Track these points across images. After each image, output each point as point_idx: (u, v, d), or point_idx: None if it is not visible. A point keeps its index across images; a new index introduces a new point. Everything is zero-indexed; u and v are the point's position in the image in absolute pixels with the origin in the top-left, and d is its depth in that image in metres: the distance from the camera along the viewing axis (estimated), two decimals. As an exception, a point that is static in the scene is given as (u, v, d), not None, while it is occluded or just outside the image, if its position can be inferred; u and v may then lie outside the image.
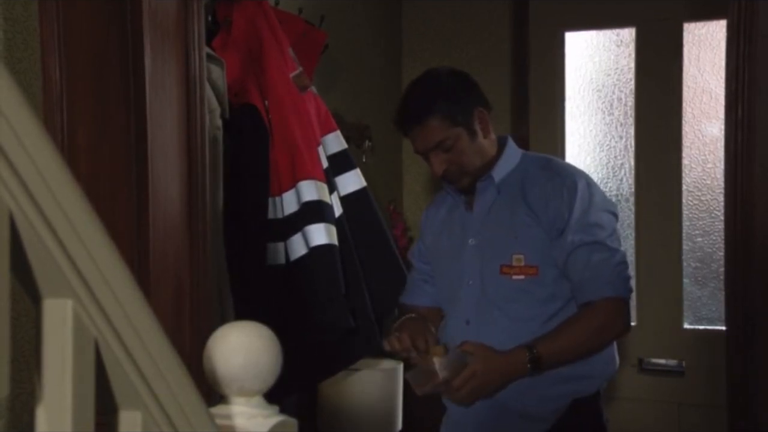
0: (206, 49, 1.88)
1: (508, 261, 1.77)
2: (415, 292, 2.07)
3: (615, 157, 3.29)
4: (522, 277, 1.76)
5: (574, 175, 1.82)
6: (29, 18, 1.67)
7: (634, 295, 3.22)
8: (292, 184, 2.17)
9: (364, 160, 2.91)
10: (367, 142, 2.97)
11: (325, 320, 2.15)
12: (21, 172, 0.59)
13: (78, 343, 0.65)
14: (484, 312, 1.81)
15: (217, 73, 2.02)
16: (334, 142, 2.38)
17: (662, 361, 3.25)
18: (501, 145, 1.89)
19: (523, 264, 1.76)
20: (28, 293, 0.65)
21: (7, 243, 0.59)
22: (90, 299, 0.66)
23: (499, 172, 1.85)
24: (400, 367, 2.59)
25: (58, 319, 0.64)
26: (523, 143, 3.29)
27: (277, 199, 2.18)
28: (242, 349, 0.96)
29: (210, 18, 2.17)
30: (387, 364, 2.59)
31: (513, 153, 1.88)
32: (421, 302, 2.03)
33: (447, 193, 1.99)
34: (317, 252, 2.13)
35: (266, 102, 2.18)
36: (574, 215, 1.75)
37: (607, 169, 3.30)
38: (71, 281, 0.64)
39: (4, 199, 0.59)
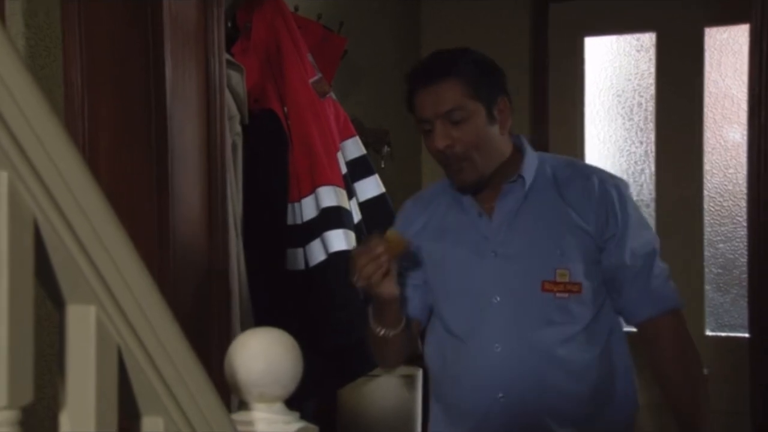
0: (226, 56, 1.89)
1: (551, 276, 1.54)
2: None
3: (635, 162, 3.26)
4: (566, 295, 1.54)
5: (612, 177, 1.64)
6: (52, 26, 1.69)
7: (654, 302, 3.24)
8: (311, 189, 2.17)
9: (382, 165, 2.91)
10: (386, 147, 2.96)
11: (343, 326, 2.14)
12: (46, 180, 0.59)
13: (101, 350, 0.65)
14: (518, 335, 1.55)
15: (237, 80, 2.03)
16: (353, 148, 2.39)
17: (683, 367, 3.21)
18: (516, 145, 1.64)
19: (567, 280, 1.54)
20: (51, 299, 0.66)
21: (32, 249, 0.59)
22: (113, 306, 0.66)
23: (529, 172, 1.59)
24: (420, 373, 2.58)
25: (82, 325, 0.64)
26: (542, 149, 3.27)
27: (296, 204, 2.18)
28: (263, 355, 0.96)
29: (229, 24, 2.18)
30: (406, 370, 2.58)
31: (532, 154, 1.64)
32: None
33: (442, 191, 1.69)
34: (336, 258, 2.13)
35: (285, 108, 2.19)
36: (631, 220, 1.58)
37: (627, 174, 3.27)
38: (95, 288, 0.64)
39: (29, 206, 0.60)
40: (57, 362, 0.66)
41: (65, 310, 0.64)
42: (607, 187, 1.58)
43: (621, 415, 1.62)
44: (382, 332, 1.56)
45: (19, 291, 0.58)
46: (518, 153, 1.62)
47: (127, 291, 0.67)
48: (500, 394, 1.53)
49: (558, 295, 1.54)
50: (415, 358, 2.42)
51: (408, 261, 1.65)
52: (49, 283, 0.63)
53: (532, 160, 1.61)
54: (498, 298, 1.56)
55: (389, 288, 1.49)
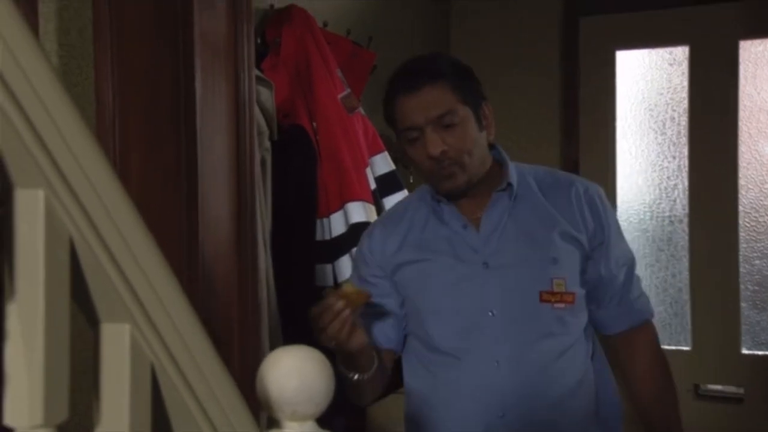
0: (255, 71, 1.89)
1: (548, 286, 1.48)
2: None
3: (668, 177, 3.22)
4: (562, 305, 1.48)
5: (591, 184, 1.59)
6: (84, 44, 1.70)
7: (688, 319, 3.18)
8: (340, 205, 2.16)
9: (411, 180, 2.89)
10: (414, 163, 2.95)
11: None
12: (82, 198, 0.60)
13: (135, 368, 0.65)
14: (518, 349, 1.48)
15: (266, 95, 2.03)
16: (382, 163, 2.38)
17: (719, 387, 3.15)
18: (494, 154, 1.57)
19: (563, 290, 1.48)
20: (86, 317, 0.65)
21: (68, 268, 0.60)
22: (147, 324, 0.66)
23: (514, 180, 1.53)
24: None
25: (116, 343, 0.64)
26: (572, 164, 3.25)
27: (325, 220, 2.18)
28: (296, 373, 0.94)
29: (259, 40, 2.19)
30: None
31: (511, 163, 1.57)
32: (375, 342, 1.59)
33: (416, 205, 1.61)
34: (365, 274, 2.11)
35: (314, 123, 2.19)
36: (613, 227, 1.55)
37: (660, 189, 3.22)
38: (129, 306, 0.64)
39: (65, 225, 0.60)
40: (92, 380, 0.65)
41: (100, 328, 0.64)
42: (591, 194, 1.54)
43: (609, 429, 1.57)
44: (356, 377, 1.49)
45: (55, 309, 0.58)
46: (497, 163, 1.56)
47: (160, 309, 0.66)
48: (501, 413, 1.46)
49: (555, 305, 1.48)
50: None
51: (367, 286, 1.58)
52: (84, 301, 0.63)
53: (513, 168, 1.55)
54: (494, 311, 1.48)
55: (358, 340, 1.42)
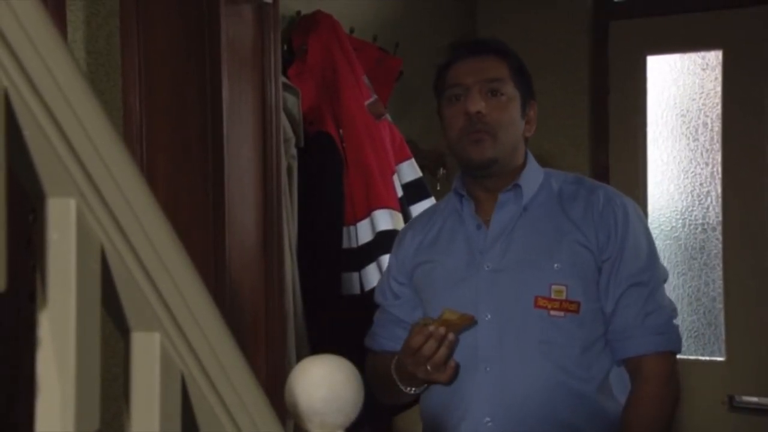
0: (282, 79, 1.89)
1: (546, 292, 1.41)
2: (384, 335, 1.64)
3: (700, 184, 3.16)
4: (561, 314, 1.41)
5: (621, 196, 1.51)
6: (111, 51, 1.70)
7: (722, 329, 3.11)
8: (367, 213, 2.15)
9: (438, 188, 2.87)
10: (441, 170, 2.93)
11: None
12: (113, 207, 0.60)
13: (165, 376, 0.65)
14: (508, 355, 1.43)
15: (293, 102, 2.03)
16: (409, 171, 2.37)
17: (755, 399, 3.08)
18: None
19: (563, 297, 1.41)
20: (116, 326, 0.65)
21: (99, 277, 0.60)
22: (177, 333, 0.65)
23: (528, 185, 1.50)
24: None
25: (146, 352, 0.64)
26: (602, 171, 3.21)
27: (352, 228, 2.16)
28: (325, 383, 0.93)
29: (285, 47, 2.18)
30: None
31: (536, 167, 1.55)
32: (394, 347, 1.57)
33: (444, 205, 1.63)
34: (392, 282, 2.09)
35: (341, 130, 2.18)
36: (629, 244, 1.44)
37: (692, 197, 3.17)
38: (159, 315, 0.64)
39: (96, 234, 0.60)
40: (122, 389, 0.65)
41: (130, 336, 0.64)
42: (612, 205, 1.47)
43: None
44: (413, 391, 1.51)
45: (86, 318, 0.58)
46: (525, 165, 1.55)
47: (190, 318, 0.66)
48: (487, 419, 1.43)
49: (552, 313, 1.41)
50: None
51: (391, 295, 1.64)
52: (114, 309, 0.63)
53: (533, 172, 1.53)
54: (489, 316, 1.44)
55: (451, 369, 1.43)
